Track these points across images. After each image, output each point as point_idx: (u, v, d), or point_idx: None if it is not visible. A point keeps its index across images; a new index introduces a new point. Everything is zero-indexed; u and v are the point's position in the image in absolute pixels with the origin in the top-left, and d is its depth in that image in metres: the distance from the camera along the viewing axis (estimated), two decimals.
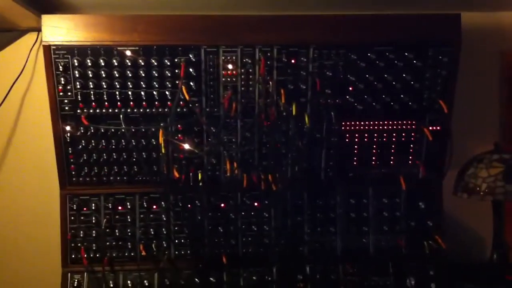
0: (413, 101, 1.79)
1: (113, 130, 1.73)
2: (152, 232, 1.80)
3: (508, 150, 1.90)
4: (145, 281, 1.78)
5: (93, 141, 1.74)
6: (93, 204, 1.78)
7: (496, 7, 2.08)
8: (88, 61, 1.67)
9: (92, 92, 1.70)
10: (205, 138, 1.77)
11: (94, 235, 1.78)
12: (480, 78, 2.12)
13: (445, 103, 1.77)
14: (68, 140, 1.73)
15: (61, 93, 1.69)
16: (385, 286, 1.83)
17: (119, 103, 1.72)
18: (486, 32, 2.11)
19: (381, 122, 1.81)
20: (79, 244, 1.78)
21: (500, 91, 2.17)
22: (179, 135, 1.75)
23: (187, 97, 1.69)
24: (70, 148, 1.74)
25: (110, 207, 1.79)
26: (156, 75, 1.70)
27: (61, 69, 1.67)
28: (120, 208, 1.80)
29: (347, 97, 1.77)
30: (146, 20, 1.68)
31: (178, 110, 1.73)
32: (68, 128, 1.72)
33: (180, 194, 1.80)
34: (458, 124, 1.86)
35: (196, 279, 1.79)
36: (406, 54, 1.75)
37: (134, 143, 1.74)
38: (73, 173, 1.77)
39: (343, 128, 1.80)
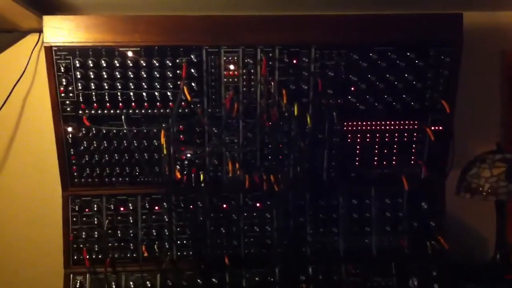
0: (415, 101, 1.79)
1: (115, 131, 1.73)
2: (154, 233, 1.79)
3: (510, 150, 1.89)
4: (148, 282, 1.77)
5: (95, 142, 1.74)
6: (95, 205, 1.78)
7: (497, 6, 2.07)
8: (90, 62, 1.67)
9: (93, 93, 1.70)
10: (207, 138, 1.77)
11: (96, 236, 1.78)
12: (481, 78, 2.12)
13: (447, 103, 1.77)
14: (70, 141, 1.73)
15: (62, 94, 1.69)
16: (388, 286, 1.83)
17: (120, 104, 1.72)
18: (487, 32, 2.11)
19: (383, 122, 1.81)
20: (81, 245, 1.78)
21: (501, 90, 2.17)
22: (181, 136, 1.75)
23: (188, 97, 1.69)
24: (72, 149, 1.74)
25: (112, 208, 1.79)
26: (157, 75, 1.70)
27: (62, 70, 1.67)
28: (122, 209, 1.79)
29: (349, 97, 1.77)
30: (147, 20, 1.68)
31: (180, 111, 1.73)
32: (70, 129, 1.72)
33: (182, 195, 1.79)
34: (459, 124, 1.86)
35: (199, 280, 1.79)
36: (407, 54, 1.75)
37: (136, 144, 1.74)
38: (75, 174, 1.77)
39: (345, 128, 1.80)
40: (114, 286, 1.77)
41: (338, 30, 1.74)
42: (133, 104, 1.72)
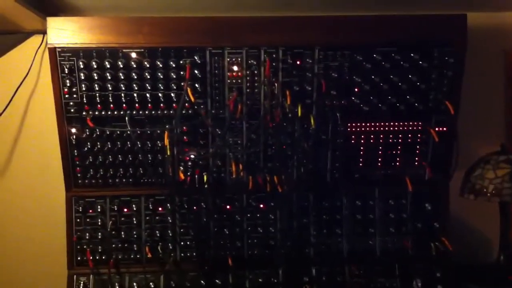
0: (419, 102, 1.79)
1: (118, 132, 1.73)
2: (158, 234, 1.80)
3: None
4: (151, 283, 1.77)
5: (98, 143, 1.74)
6: (99, 206, 1.78)
7: (500, 7, 2.07)
8: (94, 63, 1.67)
9: (97, 94, 1.70)
10: (210, 140, 1.77)
11: (99, 237, 1.78)
12: (484, 79, 2.12)
13: (451, 104, 1.77)
14: (74, 142, 1.73)
15: (66, 96, 1.69)
16: (392, 287, 1.83)
17: (124, 105, 1.72)
18: (490, 32, 2.10)
19: (387, 123, 1.81)
20: (85, 246, 1.78)
21: (505, 91, 2.16)
22: (185, 137, 1.75)
23: (192, 99, 1.69)
24: (75, 150, 1.74)
25: (116, 209, 1.79)
26: (161, 77, 1.70)
27: (66, 72, 1.67)
28: (125, 210, 1.79)
29: (353, 98, 1.77)
30: (151, 22, 1.68)
31: (184, 112, 1.73)
32: (73, 130, 1.72)
33: (186, 196, 1.79)
34: (463, 125, 1.85)
35: (202, 281, 1.79)
36: (411, 55, 1.75)
37: (139, 145, 1.74)
38: (79, 175, 1.77)
39: (348, 129, 1.80)
40: (117, 287, 1.77)
41: (342, 31, 1.74)
42: (136, 105, 1.72)
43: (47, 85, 1.72)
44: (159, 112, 1.73)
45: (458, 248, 1.85)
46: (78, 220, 1.79)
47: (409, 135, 1.82)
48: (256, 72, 1.73)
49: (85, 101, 1.70)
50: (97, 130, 1.72)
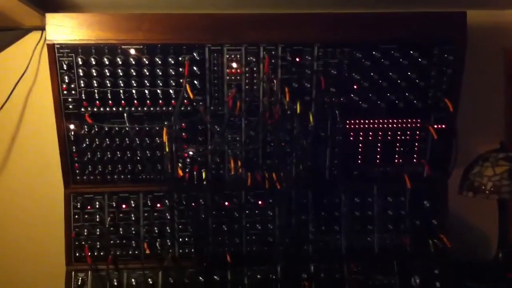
0: (418, 99, 1.79)
1: (117, 128, 1.73)
2: (156, 231, 1.80)
3: None
4: (149, 280, 1.78)
5: (97, 139, 1.74)
6: (97, 203, 1.78)
7: (500, 5, 2.07)
8: (92, 59, 1.67)
9: (96, 90, 1.70)
10: (209, 136, 1.77)
11: (98, 233, 1.78)
12: (484, 76, 2.12)
13: (450, 101, 1.77)
14: (72, 139, 1.73)
15: (65, 92, 1.69)
16: (390, 284, 1.83)
17: (123, 102, 1.72)
18: (490, 30, 2.10)
19: (386, 121, 1.80)
20: (83, 243, 1.78)
21: (504, 89, 2.16)
22: (183, 134, 1.75)
23: (191, 95, 1.69)
24: (74, 147, 1.74)
25: (114, 205, 1.79)
26: (160, 73, 1.70)
27: (65, 68, 1.67)
28: (124, 206, 1.80)
29: (352, 95, 1.77)
30: (150, 18, 1.68)
31: (182, 108, 1.73)
32: (72, 126, 1.72)
33: (184, 193, 1.79)
34: (463, 122, 1.85)
35: (200, 278, 1.79)
36: (411, 52, 1.75)
37: (138, 142, 1.74)
38: (77, 171, 1.77)
39: (347, 126, 1.79)
40: (116, 284, 1.77)
41: (341, 28, 1.74)
42: (135, 101, 1.72)
43: (46, 81, 1.72)
44: (157, 108, 1.73)
45: (456, 245, 1.85)
46: (76, 216, 1.79)
47: (408, 133, 1.82)
48: (255, 69, 1.73)
49: (83, 98, 1.70)
50: (96, 126, 1.72)
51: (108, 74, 1.68)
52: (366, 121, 1.80)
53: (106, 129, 1.73)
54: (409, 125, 1.81)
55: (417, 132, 1.82)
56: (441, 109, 1.79)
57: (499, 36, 2.13)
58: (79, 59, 1.66)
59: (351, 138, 1.81)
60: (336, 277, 1.83)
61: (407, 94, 1.78)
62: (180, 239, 1.81)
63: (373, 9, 1.79)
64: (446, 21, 1.76)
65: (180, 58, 1.69)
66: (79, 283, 1.77)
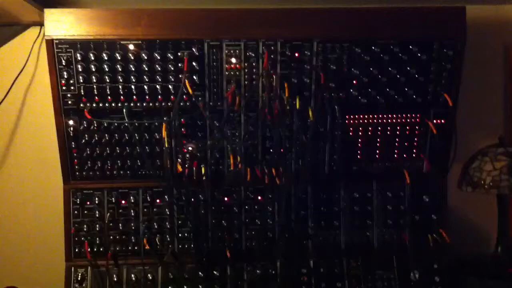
0: (417, 94, 1.78)
1: (116, 124, 1.73)
2: (156, 226, 1.80)
3: None
4: (149, 275, 1.78)
5: (96, 135, 1.74)
6: (97, 199, 1.78)
7: (500, 0, 2.06)
8: (91, 55, 1.67)
9: (95, 86, 1.69)
10: (208, 132, 1.77)
11: (97, 229, 1.78)
12: (484, 72, 2.11)
13: (449, 96, 1.76)
14: (71, 135, 1.73)
15: (64, 88, 1.69)
16: (389, 279, 1.83)
17: (122, 97, 1.71)
18: (490, 26, 2.09)
19: (385, 116, 1.80)
20: (82, 238, 1.78)
21: (504, 84, 2.16)
22: (183, 129, 1.75)
23: (190, 91, 1.69)
24: (73, 143, 1.74)
25: (114, 201, 1.79)
26: (159, 69, 1.70)
27: (64, 64, 1.66)
28: (123, 202, 1.79)
29: (351, 90, 1.76)
30: (149, 14, 1.67)
31: (181, 104, 1.72)
32: (71, 122, 1.72)
33: (184, 188, 1.79)
34: (462, 118, 1.86)
35: (200, 273, 1.79)
36: (410, 47, 1.74)
37: (137, 137, 1.73)
38: (76, 167, 1.77)
39: (347, 122, 1.79)
40: (115, 279, 1.77)
41: (341, 23, 1.73)
42: (134, 97, 1.71)
43: (45, 77, 1.71)
44: (157, 104, 1.73)
45: (455, 240, 1.86)
46: (75, 212, 1.79)
47: (408, 128, 1.82)
48: (254, 64, 1.72)
49: (82, 93, 1.69)
50: (95, 122, 1.72)
51: (107, 69, 1.68)
52: (366, 117, 1.80)
53: (105, 124, 1.73)
54: (408, 120, 1.81)
55: (417, 127, 1.82)
56: (441, 104, 1.79)
57: (499, 31, 2.12)
58: (78, 55, 1.66)
59: (351, 134, 1.81)
60: (336, 272, 1.83)
61: (406, 89, 1.78)
62: (180, 235, 1.81)
63: (372, 4, 1.79)
64: (445, 16, 1.75)
65: (179, 54, 1.69)
66: (79, 278, 1.77)
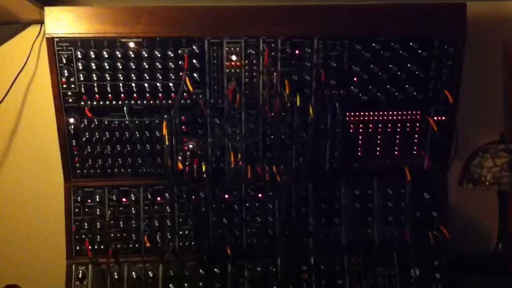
0: (418, 91, 1.78)
1: (116, 122, 1.73)
2: (157, 224, 1.80)
3: None
4: (150, 273, 1.78)
5: (97, 133, 1.74)
6: (97, 196, 1.78)
7: None
8: (92, 53, 1.67)
9: (95, 84, 1.69)
10: (209, 130, 1.77)
11: (98, 227, 1.78)
12: (484, 68, 2.11)
13: (450, 93, 1.76)
14: (72, 133, 1.73)
15: (64, 86, 1.69)
16: (390, 276, 1.83)
17: (122, 95, 1.71)
18: (490, 22, 2.09)
19: (385, 113, 1.80)
20: (83, 236, 1.78)
21: (504, 81, 2.16)
22: (183, 127, 1.75)
23: (191, 88, 1.69)
24: (74, 141, 1.74)
25: (114, 199, 1.79)
26: (159, 67, 1.70)
27: (64, 61, 1.66)
28: (124, 200, 1.80)
29: (352, 88, 1.76)
30: (149, 11, 1.67)
31: (182, 102, 1.72)
32: (71, 120, 1.72)
33: (184, 186, 1.79)
34: (463, 114, 1.85)
35: (201, 271, 1.79)
36: (410, 44, 1.74)
37: (138, 135, 1.74)
38: (77, 165, 1.77)
39: (347, 119, 1.79)
40: (116, 277, 1.77)
41: (341, 20, 1.73)
42: (135, 95, 1.72)
43: (45, 75, 1.71)
44: (157, 102, 1.73)
45: (456, 237, 1.86)
46: (76, 210, 1.79)
47: (408, 125, 1.82)
48: (255, 62, 1.72)
49: (83, 91, 1.70)
50: (96, 120, 1.72)
51: (107, 67, 1.68)
52: (366, 114, 1.80)
53: (106, 122, 1.73)
54: (409, 117, 1.81)
55: (417, 124, 1.82)
56: (441, 101, 1.79)
57: (499, 28, 2.12)
58: (78, 53, 1.66)
59: (351, 131, 1.81)
60: (336, 269, 1.83)
61: (407, 86, 1.78)
62: (181, 232, 1.81)
63: (372, 1, 1.79)
64: (446, 13, 1.75)
65: (179, 51, 1.69)
66: (80, 276, 1.77)
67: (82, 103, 1.71)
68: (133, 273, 1.78)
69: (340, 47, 1.73)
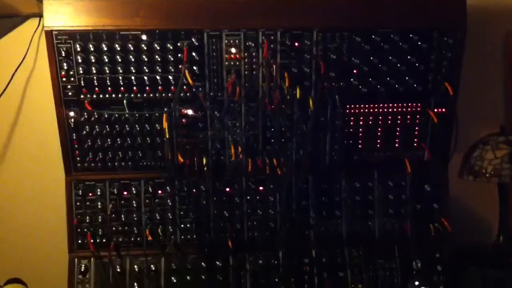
0: (418, 83, 1.78)
1: (116, 115, 1.72)
2: (158, 217, 1.80)
3: None
4: (152, 266, 1.78)
5: (97, 126, 1.73)
6: (99, 190, 1.78)
7: None
8: (91, 46, 1.66)
9: (95, 77, 1.69)
10: (209, 122, 1.76)
11: (100, 220, 1.78)
12: (484, 60, 2.11)
13: (450, 85, 1.76)
14: (72, 126, 1.72)
15: (64, 79, 1.68)
16: (391, 269, 1.84)
17: (122, 88, 1.71)
18: (491, 13, 2.08)
19: (385, 105, 1.80)
20: (85, 230, 1.78)
21: (505, 73, 2.15)
22: (183, 120, 1.75)
23: (190, 81, 1.68)
24: (74, 134, 1.74)
25: (115, 192, 1.79)
26: (159, 59, 1.69)
27: (63, 55, 1.66)
28: (125, 193, 1.80)
29: (352, 80, 1.76)
30: (148, 4, 1.66)
31: (182, 94, 1.72)
32: (71, 113, 1.72)
33: (185, 179, 1.79)
34: (462, 106, 1.85)
35: (203, 263, 1.80)
36: (410, 36, 1.74)
37: (138, 128, 1.73)
38: (78, 159, 1.77)
39: (347, 111, 1.79)
40: (118, 270, 1.77)
41: (340, 12, 1.73)
42: (134, 88, 1.71)
43: (44, 68, 1.71)
44: (157, 95, 1.72)
45: (457, 229, 1.86)
46: (78, 204, 1.79)
47: (408, 117, 1.82)
48: (254, 54, 1.72)
49: (82, 84, 1.69)
50: (95, 113, 1.72)
51: (106, 60, 1.67)
52: (366, 106, 1.80)
53: (106, 116, 1.72)
54: (409, 110, 1.81)
55: (417, 117, 1.82)
56: (441, 93, 1.79)
57: (499, 20, 2.11)
58: (78, 46, 1.65)
59: (351, 123, 1.81)
60: (338, 262, 1.83)
61: (407, 78, 1.77)
62: (182, 226, 1.81)
63: None
64: (446, 4, 1.75)
65: (178, 44, 1.68)
66: (82, 270, 1.77)
67: (81, 96, 1.70)
68: (135, 266, 1.78)
69: (340, 39, 1.72)
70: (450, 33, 1.74)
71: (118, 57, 1.68)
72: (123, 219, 1.79)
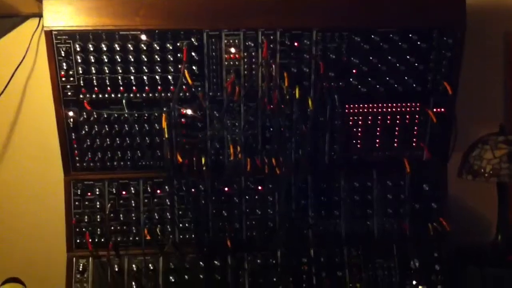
0: (417, 83, 1.78)
1: (116, 115, 1.73)
2: (156, 217, 1.80)
3: None
4: (150, 265, 1.78)
5: (96, 126, 1.74)
6: (97, 189, 1.78)
7: None
8: (90, 46, 1.66)
9: (94, 77, 1.69)
10: (208, 122, 1.77)
11: (98, 220, 1.78)
12: (484, 60, 2.11)
13: (449, 85, 1.76)
14: (71, 126, 1.72)
15: (63, 79, 1.68)
16: (389, 268, 1.84)
17: (121, 88, 1.71)
18: (490, 13, 2.08)
19: (385, 105, 1.80)
20: (84, 229, 1.78)
21: (504, 72, 2.15)
22: (182, 120, 1.75)
23: (189, 81, 1.69)
24: (73, 134, 1.74)
25: (114, 192, 1.79)
26: (158, 59, 1.69)
27: (63, 55, 1.66)
28: (124, 193, 1.80)
29: (351, 80, 1.76)
30: (148, 4, 1.66)
31: (181, 94, 1.72)
32: (71, 113, 1.72)
33: (184, 179, 1.79)
34: (462, 106, 1.85)
35: (201, 263, 1.80)
36: (410, 35, 1.74)
37: (137, 128, 1.74)
38: (77, 158, 1.77)
39: (346, 111, 1.79)
40: (116, 269, 1.78)
41: (340, 12, 1.72)
42: (134, 88, 1.71)
43: (44, 68, 1.70)
44: (156, 94, 1.72)
45: (456, 228, 1.86)
46: (77, 203, 1.79)
47: (407, 117, 1.82)
48: (253, 54, 1.72)
49: (82, 84, 1.69)
50: (95, 113, 1.72)
51: (106, 60, 1.67)
52: (365, 106, 1.80)
53: (105, 115, 1.72)
54: (408, 109, 1.81)
55: (416, 116, 1.82)
56: (441, 93, 1.79)
57: (499, 19, 2.11)
58: (77, 46, 1.66)
59: (350, 123, 1.81)
60: (336, 261, 1.84)
61: (406, 78, 1.77)
62: (180, 225, 1.81)
63: None
64: (445, 4, 1.75)
65: (178, 44, 1.69)
66: (81, 269, 1.77)
67: (81, 96, 1.70)
68: (134, 265, 1.78)
69: (339, 39, 1.72)
70: (450, 32, 1.74)
71: (117, 57, 1.68)
72: (121, 218, 1.79)
